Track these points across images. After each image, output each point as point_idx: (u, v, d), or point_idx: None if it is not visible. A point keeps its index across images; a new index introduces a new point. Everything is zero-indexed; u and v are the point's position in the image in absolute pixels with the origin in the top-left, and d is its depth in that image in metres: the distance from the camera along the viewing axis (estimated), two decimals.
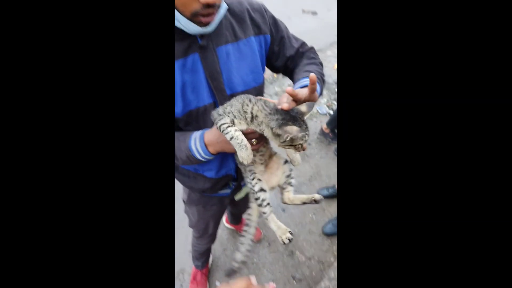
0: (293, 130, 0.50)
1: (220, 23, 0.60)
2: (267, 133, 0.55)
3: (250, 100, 0.55)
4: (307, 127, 0.54)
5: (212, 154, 0.61)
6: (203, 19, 0.53)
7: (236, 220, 1.53)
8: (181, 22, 0.53)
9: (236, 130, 0.55)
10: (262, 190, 0.67)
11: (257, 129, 0.56)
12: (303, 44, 0.74)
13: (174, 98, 0.59)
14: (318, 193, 1.72)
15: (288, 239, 0.65)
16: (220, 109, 0.58)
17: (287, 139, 0.51)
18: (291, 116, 0.52)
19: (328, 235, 1.57)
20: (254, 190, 0.67)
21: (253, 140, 0.59)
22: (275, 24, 0.69)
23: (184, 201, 0.99)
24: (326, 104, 2.66)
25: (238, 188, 0.88)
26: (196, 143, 0.60)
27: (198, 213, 0.99)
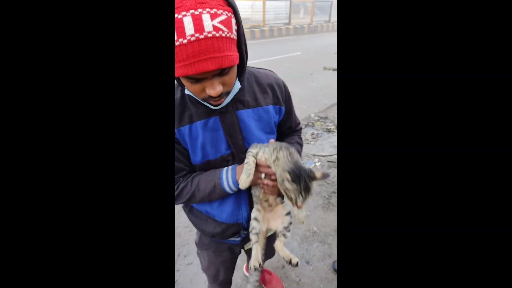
0: (290, 178, 0.57)
1: (244, 89, 0.70)
2: (277, 172, 0.62)
3: (281, 148, 0.64)
4: (307, 190, 0.59)
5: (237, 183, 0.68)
6: (213, 103, 0.61)
7: None
8: (199, 99, 0.61)
9: (253, 161, 0.64)
10: (256, 219, 0.73)
11: (273, 168, 0.63)
12: (299, 123, 0.90)
13: (174, 98, 0.66)
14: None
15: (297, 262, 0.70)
16: (259, 144, 0.68)
17: (283, 182, 0.59)
18: (301, 173, 0.58)
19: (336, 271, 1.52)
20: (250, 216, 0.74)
21: (262, 174, 0.66)
22: (289, 100, 0.81)
23: (196, 243, 1.00)
24: None
25: (249, 238, 0.87)
26: (228, 172, 0.68)
27: (209, 258, 0.98)
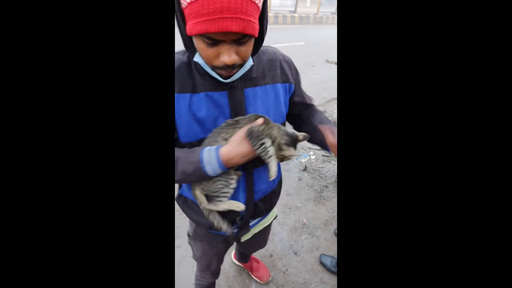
0: (293, 153, 0.70)
1: (252, 67, 0.66)
2: (274, 145, 0.69)
3: (268, 123, 0.68)
4: (296, 149, 0.72)
5: (224, 166, 0.63)
6: (224, 73, 0.58)
7: (244, 258, 1.47)
8: (208, 70, 0.59)
9: (273, 150, 0.67)
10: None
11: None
12: (310, 97, 0.85)
13: (174, 96, 0.62)
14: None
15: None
16: (255, 130, 0.64)
17: (286, 155, 0.69)
18: (292, 140, 0.69)
19: (323, 264, 1.58)
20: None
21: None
22: (298, 77, 0.79)
23: (188, 235, 0.98)
24: None
25: (245, 227, 0.85)
26: (211, 153, 0.62)
27: (202, 249, 0.97)
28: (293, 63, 0.77)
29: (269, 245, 1.65)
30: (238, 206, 0.72)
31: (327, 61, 5.61)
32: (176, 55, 0.65)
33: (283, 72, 0.72)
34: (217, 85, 0.63)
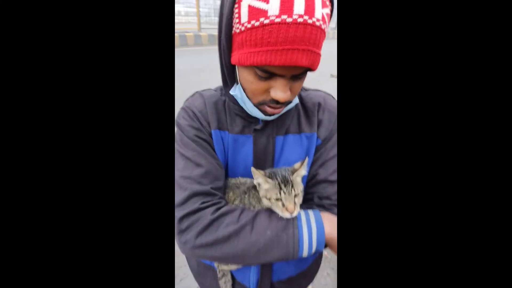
0: (264, 178, 0.47)
1: (287, 111, 0.54)
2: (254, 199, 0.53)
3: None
4: (285, 181, 0.47)
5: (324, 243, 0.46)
6: (269, 110, 0.48)
7: None
8: (247, 105, 0.50)
9: None
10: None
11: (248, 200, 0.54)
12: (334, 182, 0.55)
13: (174, 95, 0.51)
14: None
15: None
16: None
17: (263, 191, 0.48)
18: (275, 171, 0.49)
19: None
20: None
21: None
22: (332, 140, 0.57)
23: None
24: None
25: None
26: (311, 219, 0.45)
27: None
28: (334, 114, 0.57)
29: None
30: None
31: (332, 76, 5.57)
32: (210, 90, 0.57)
33: (319, 121, 0.57)
34: (244, 128, 0.53)
